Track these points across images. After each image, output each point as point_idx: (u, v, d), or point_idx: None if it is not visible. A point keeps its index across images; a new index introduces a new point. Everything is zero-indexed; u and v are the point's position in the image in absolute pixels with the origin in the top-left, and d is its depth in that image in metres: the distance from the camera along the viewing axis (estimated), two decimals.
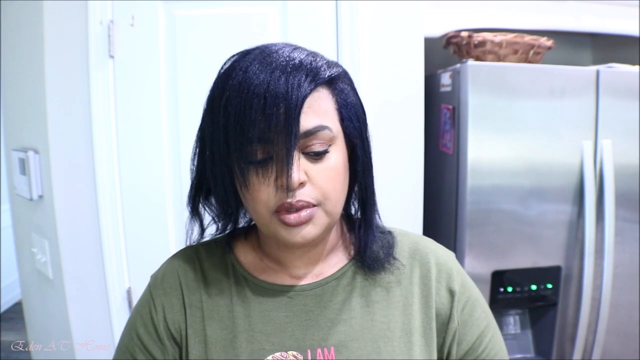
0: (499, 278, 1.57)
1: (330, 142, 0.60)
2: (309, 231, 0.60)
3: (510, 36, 1.60)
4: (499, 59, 1.62)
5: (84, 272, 1.49)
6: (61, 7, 1.41)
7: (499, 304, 1.58)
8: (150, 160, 1.48)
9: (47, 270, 1.57)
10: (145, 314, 0.69)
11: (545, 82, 1.53)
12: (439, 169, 1.69)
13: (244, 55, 0.61)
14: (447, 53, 1.82)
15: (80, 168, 1.46)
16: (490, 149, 1.52)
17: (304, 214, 0.59)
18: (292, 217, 0.59)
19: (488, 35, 1.60)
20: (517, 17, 1.84)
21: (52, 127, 1.44)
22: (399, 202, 1.49)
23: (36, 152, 1.53)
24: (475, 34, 1.62)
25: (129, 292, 1.51)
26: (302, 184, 0.59)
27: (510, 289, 1.59)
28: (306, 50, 0.63)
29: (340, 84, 0.63)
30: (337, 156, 0.61)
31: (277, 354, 0.63)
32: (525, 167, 1.54)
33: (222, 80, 0.60)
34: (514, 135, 1.53)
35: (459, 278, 0.71)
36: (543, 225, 1.57)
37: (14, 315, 3.83)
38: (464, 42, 1.64)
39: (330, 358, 0.63)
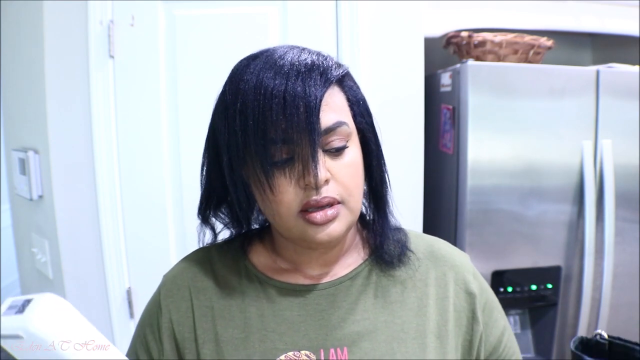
0: (499, 278, 1.57)
1: (348, 137, 0.61)
2: (335, 229, 0.61)
3: (510, 36, 1.60)
4: (499, 59, 1.62)
5: (84, 272, 1.49)
6: (61, 7, 1.41)
7: None
8: (150, 160, 1.48)
9: (47, 270, 1.57)
10: (153, 315, 0.70)
11: (545, 82, 1.53)
12: (439, 169, 1.69)
13: (253, 59, 0.61)
14: (447, 53, 1.82)
15: (80, 168, 1.46)
16: (490, 149, 1.52)
17: (330, 212, 0.59)
18: (319, 215, 0.59)
19: (488, 35, 1.60)
20: (517, 17, 1.84)
21: (52, 127, 1.44)
22: (399, 202, 1.49)
23: (36, 152, 1.53)
24: (475, 34, 1.62)
25: (129, 292, 1.51)
26: (326, 182, 0.59)
27: (510, 289, 1.59)
28: (313, 51, 0.64)
29: (348, 82, 0.64)
30: (355, 152, 0.62)
31: (290, 354, 0.63)
32: (525, 167, 1.54)
33: (234, 86, 0.60)
34: (514, 135, 1.53)
35: (476, 280, 0.71)
36: (543, 225, 1.57)
37: None
38: (464, 42, 1.64)
39: (343, 358, 0.63)
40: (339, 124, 0.60)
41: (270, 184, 0.58)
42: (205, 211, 0.69)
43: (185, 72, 1.45)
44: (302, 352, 0.63)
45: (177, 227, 1.50)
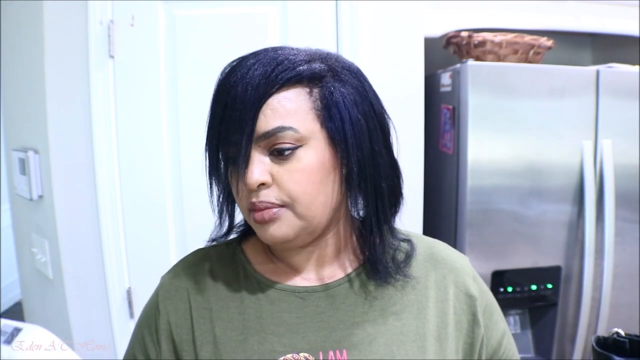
0: (499, 278, 1.57)
1: (300, 142, 0.59)
2: (276, 229, 0.61)
3: (510, 36, 1.60)
4: (499, 59, 1.62)
5: (84, 272, 1.49)
6: (61, 7, 1.41)
7: (499, 304, 1.58)
8: (150, 160, 1.48)
9: (47, 270, 1.57)
10: (151, 316, 0.69)
11: (545, 82, 1.53)
12: (439, 169, 1.69)
13: (240, 59, 0.62)
14: (447, 53, 1.82)
15: (80, 168, 1.46)
16: (490, 149, 1.52)
17: (267, 214, 0.60)
18: (257, 215, 0.61)
19: (488, 35, 1.60)
20: (517, 17, 1.84)
21: (52, 127, 1.44)
22: None
23: (36, 152, 1.53)
24: (475, 34, 1.62)
25: (129, 292, 1.51)
26: (264, 185, 0.59)
27: (510, 289, 1.59)
28: (292, 48, 0.62)
29: (327, 82, 0.61)
30: (311, 157, 0.60)
31: (289, 356, 0.63)
32: (525, 167, 1.54)
33: (215, 85, 0.63)
34: (514, 135, 1.53)
35: (476, 283, 0.71)
36: (543, 225, 1.57)
37: (14, 315, 3.82)
38: (464, 42, 1.64)
39: None
40: (280, 130, 0.58)
41: (210, 181, 0.65)
42: (218, 203, 0.69)
43: (185, 72, 1.45)
44: (301, 354, 0.63)
45: (177, 227, 1.50)
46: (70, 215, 1.47)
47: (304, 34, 1.45)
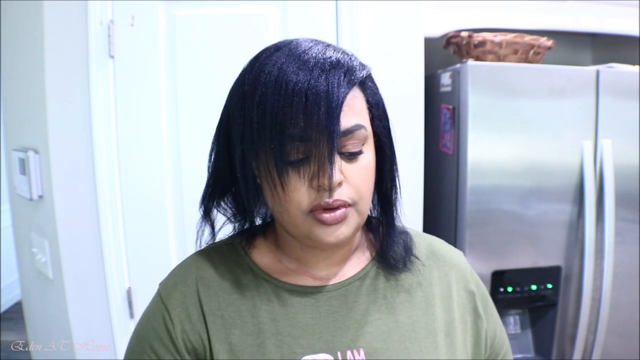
0: (499, 278, 1.57)
1: (365, 141, 0.61)
2: (343, 231, 0.60)
3: (510, 36, 1.60)
4: (499, 59, 1.62)
5: (84, 272, 1.49)
6: (61, 7, 1.41)
7: (499, 304, 1.56)
8: (150, 160, 1.48)
9: (47, 270, 1.57)
10: (160, 327, 0.64)
11: (545, 82, 1.53)
12: (439, 169, 1.69)
13: (275, 50, 0.60)
14: (447, 53, 1.82)
15: (80, 168, 1.46)
16: (490, 149, 1.52)
17: (339, 212, 0.59)
18: (329, 216, 0.58)
19: (488, 35, 1.60)
20: (517, 17, 1.84)
21: (52, 127, 1.44)
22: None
23: (36, 152, 1.53)
24: (475, 34, 1.62)
25: (129, 292, 1.51)
26: (339, 184, 0.58)
27: (510, 289, 1.59)
28: (338, 48, 0.62)
29: (369, 83, 0.63)
30: (369, 156, 0.62)
31: (309, 357, 0.62)
32: (525, 167, 1.54)
33: (254, 77, 0.58)
34: (514, 135, 1.53)
35: (473, 278, 0.73)
36: (543, 225, 1.57)
37: (14, 315, 3.83)
38: (464, 42, 1.64)
39: (360, 359, 0.63)
40: (358, 127, 0.59)
41: (282, 181, 0.57)
42: (209, 202, 0.67)
43: (186, 72, 1.45)
44: (321, 354, 0.62)
45: (177, 227, 1.50)
46: (70, 215, 1.47)
47: (304, 34, 1.44)
